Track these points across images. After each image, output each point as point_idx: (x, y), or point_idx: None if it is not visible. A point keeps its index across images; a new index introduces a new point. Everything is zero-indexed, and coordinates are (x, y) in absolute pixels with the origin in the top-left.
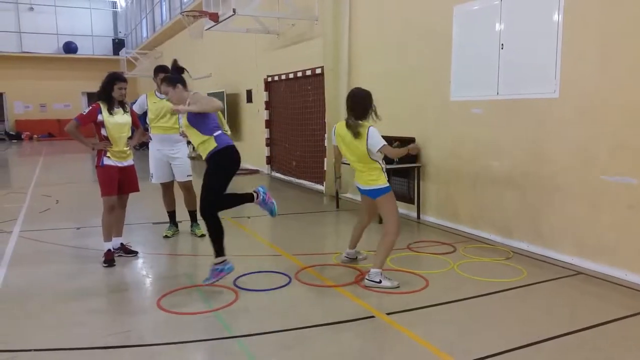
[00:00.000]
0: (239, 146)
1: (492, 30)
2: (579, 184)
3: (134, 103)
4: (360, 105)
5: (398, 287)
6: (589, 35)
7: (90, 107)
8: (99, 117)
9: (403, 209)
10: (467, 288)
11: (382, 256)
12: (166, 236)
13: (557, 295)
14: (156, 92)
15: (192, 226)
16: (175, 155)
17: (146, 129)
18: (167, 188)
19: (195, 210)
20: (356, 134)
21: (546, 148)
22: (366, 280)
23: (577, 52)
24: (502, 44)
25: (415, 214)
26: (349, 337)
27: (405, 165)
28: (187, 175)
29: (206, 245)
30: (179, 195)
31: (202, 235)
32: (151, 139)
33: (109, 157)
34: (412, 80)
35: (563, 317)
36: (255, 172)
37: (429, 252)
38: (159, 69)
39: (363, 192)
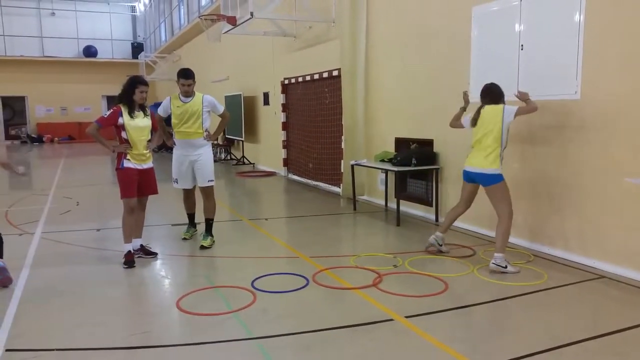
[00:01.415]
0: (256, 148)
1: (512, 31)
2: (601, 186)
3: (155, 106)
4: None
5: (519, 272)
6: (611, 35)
7: (111, 110)
8: (120, 120)
9: (421, 211)
10: (486, 292)
11: (501, 241)
12: (185, 238)
13: (579, 299)
14: (180, 96)
15: (203, 234)
16: (198, 159)
17: (171, 134)
18: (189, 192)
19: (212, 219)
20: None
21: (567, 150)
22: (492, 265)
23: (599, 52)
24: (522, 45)
25: (433, 217)
26: (367, 340)
27: (423, 168)
28: (209, 181)
29: (225, 247)
30: (200, 198)
31: (202, 247)
32: (175, 144)
33: (128, 159)
34: (430, 81)
35: (585, 322)
36: (272, 174)
37: (448, 255)
38: (182, 75)
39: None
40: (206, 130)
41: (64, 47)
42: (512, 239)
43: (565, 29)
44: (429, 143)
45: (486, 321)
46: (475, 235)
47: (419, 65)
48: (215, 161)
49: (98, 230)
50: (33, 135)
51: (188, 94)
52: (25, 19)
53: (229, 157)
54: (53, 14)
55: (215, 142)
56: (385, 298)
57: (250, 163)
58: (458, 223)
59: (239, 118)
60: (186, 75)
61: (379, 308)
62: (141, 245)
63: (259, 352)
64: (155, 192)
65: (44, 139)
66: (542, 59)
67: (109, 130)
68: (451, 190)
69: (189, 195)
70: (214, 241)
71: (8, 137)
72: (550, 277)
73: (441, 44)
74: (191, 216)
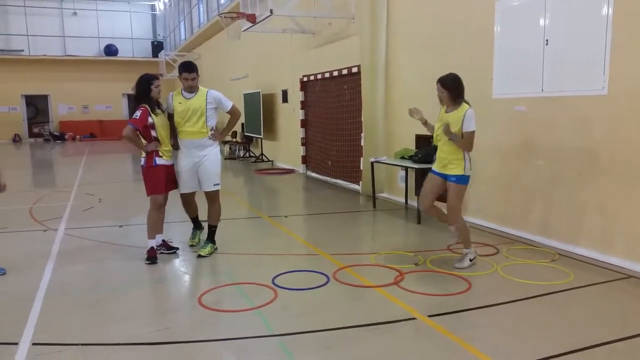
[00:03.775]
0: (275, 146)
1: (536, 26)
2: (630, 183)
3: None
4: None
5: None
6: None
7: (140, 111)
8: (149, 120)
9: (443, 209)
10: (511, 291)
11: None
12: (192, 245)
13: (606, 299)
14: (183, 92)
15: (203, 242)
16: (203, 161)
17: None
18: (188, 197)
19: (216, 227)
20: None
21: (594, 146)
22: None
23: (628, 46)
24: (547, 40)
25: None
26: (389, 338)
27: None
28: (214, 185)
29: (245, 244)
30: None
31: (200, 256)
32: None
33: (161, 156)
34: None
35: (614, 323)
36: (291, 171)
37: None
38: (184, 68)
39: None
40: (212, 129)
41: (85, 46)
42: (537, 237)
43: (593, 23)
44: None
45: (511, 321)
46: (498, 233)
47: (440, 61)
48: (233, 159)
49: (120, 226)
50: (55, 133)
51: (192, 89)
52: (48, 19)
53: (247, 155)
54: (75, 13)
55: (233, 139)
56: (407, 296)
57: (269, 160)
58: (481, 221)
59: (257, 116)
60: (189, 68)
61: (400, 306)
62: (163, 241)
63: (280, 349)
64: (176, 187)
65: (66, 136)
66: (567, 54)
67: (118, 128)
68: (473, 188)
69: (188, 200)
70: (215, 249)
71: (31, 134)
72: (576, 276)
73: (463, 39)
74: (195, 219)
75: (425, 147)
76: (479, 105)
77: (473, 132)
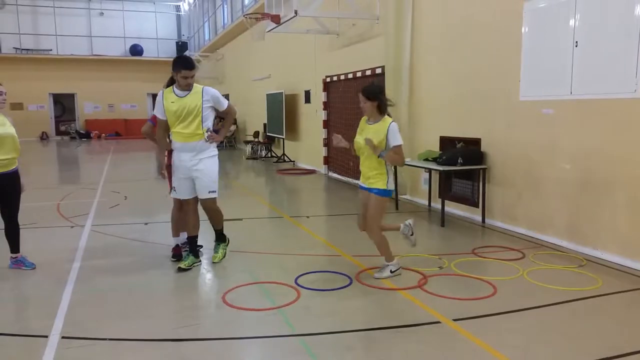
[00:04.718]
0: (297, 146)
1: (566, 27)
2: None
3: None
4: None
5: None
6: None
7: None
8: None
9: (467, 212)
10: (538, 296)
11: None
12: (180, 268)
13: (636, 307)
14: (175, 89)
15: (215, 245)
16: (197, 167)
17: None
18: (188, 205)
19: (221, 229)
20: None
21: (624, 150)
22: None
23: None
24: (577, 42)
25: (479, 218)
26: (413, 341)
27: (469, 167)
28: (209, 192)
29: (267, 243)
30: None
31: (214, 263)
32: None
33: None
34: (477, 79)
35: None
36: (312, 172)
37: (496, 258)
38: (184, 64)
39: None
40: (208, 130)
41: (111, 46)
42: (563, 242)
43: (624, 24)
44: (475, 142)
45: (538, 327)
46: (523, 237)
47: (465, 63)
48: (254, 159)
49: (146, 224)
50: (81, 131)
51: (189, 87)
52: (75, 19)
53: (269, 155)
54: (102, 14)
55: (257, 139)
56: (431, 300)
57: (291, 161)
58: (507, 225)
59: (280, 116)
60: (191, 64)
61: (424, 310)
62: (188, 239)
63: (303, 349)
64: None
65: (92, 135)
66: (598, 56)
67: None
68: (499, 191)
69: (188, 209)
70: (225, 252)
71: (58, 132)
72: (606, 283)
73: (489, 40)
74: (192, 240)
75: (449, 149)
76: (505, 108)
77: (401, 145)
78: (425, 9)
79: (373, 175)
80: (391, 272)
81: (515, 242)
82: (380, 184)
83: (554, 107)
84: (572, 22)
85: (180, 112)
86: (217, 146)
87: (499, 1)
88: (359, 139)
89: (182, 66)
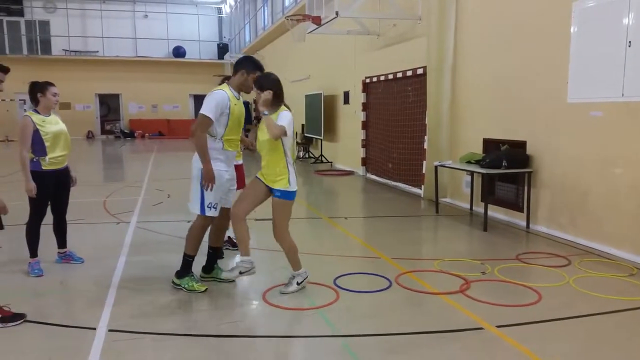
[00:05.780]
0: (335, 147)
1: (619, 26)
2: None
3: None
4: None
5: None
6: None
7: None
8: None
9: (510, 216)
10: (585, 305)
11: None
12: (210, 278)
13: None
14: (232, 90)
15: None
16: (233, 176)
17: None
18: (222, 216)
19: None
20: None
21: None
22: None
23: None
24: (630, 41)
25: (524, 223)
26: (456, 347)
27: (514, 170)
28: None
29: (305, 244)
30: None
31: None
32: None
33: None
34: (523, 80)
35: None
36: (350, 173)
37: (541, 264)
38: (259, 66)
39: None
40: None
41: (155, 48)
42: (612, 250)
43: None
44: (521, 145)
45: (585, 336)
46: (569, 243)
47: (511, 63)
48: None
49: (188, 221)
50: (125, 131)
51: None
52: (120, 22)
53: (307, 156)
54: (146, 16)
55: (295, 140)
56: (473, 305)
57: (328, 162)
58: (552, 231)
59: (318, 117)
60: (263, 68)
61: (467, 315)
62: (229, 237)
63: (344, 350)
64: (244, 186)
65: (136, 134)
66: None
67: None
68: (545, 196)
69: (223, 219)
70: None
71: (103, 132)
72: None
73: (536, 41)
74: (217, 251)
75: (493, 152)
76: (552, 110)
77: (283, 126)
78: (469, 8)
79: (275, 173)
80: (297, 284)
81: (561, 249)
82: (282, 183)
83: (604, 110)
84: (625, 21)
85: (240, 116)
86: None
87: (547, 0)
88: (260, 134)
89: (258, 68)
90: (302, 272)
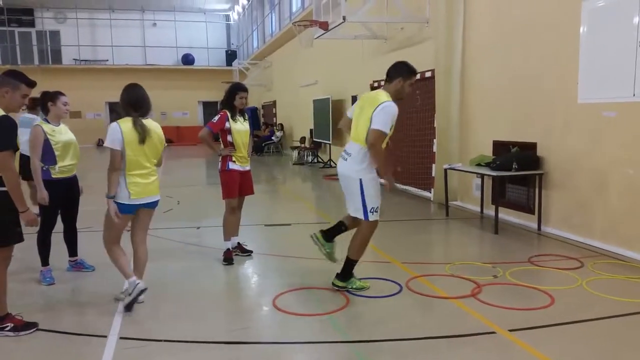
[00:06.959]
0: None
1: (629, 26)
2: None
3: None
4: None
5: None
6: None
7: (219, 115)
8: (227, 125)
9: (522, 219)
10: (598, 308)
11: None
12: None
13: None
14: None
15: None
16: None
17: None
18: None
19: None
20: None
21: None
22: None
23: None
24: None
25: (535, 225)
26: (469, 352)
27: (525, 173)
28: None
29: (315, 248)
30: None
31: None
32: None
33: (234, 161)
34: (532, 81)
35: None
36: None
37: (553, 267)
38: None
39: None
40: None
41: (164, 56)
42: (627, 252)
43: None
44: (531, 146)
45: (600, 339)
46: (581, 245)
47: (520, 65)
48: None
49: (198, 228)
50: None
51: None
52: (130, 31)
53: (316, 160)
54: (155, 24)
55: (303, 145)
56: (485, 309)
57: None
58: (564, 232)
59: (327, 121)
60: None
61: (479, 319)
62: (238, 243)
63: (355, 356)
64: (252, 192)
65: None
66: None
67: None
68: (556, 197)
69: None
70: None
71: None
72: None
73: (545, 41)
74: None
75: (504, 154)
76: (563, 111)
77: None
78: (477, 10)
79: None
80: (129, 294)
81: (574, 251)
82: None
83: (616, 110)
84: (635, 20)
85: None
86: (262, 152)
87: (555, 1)
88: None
89: (413, 72)
90: (132, 282)
